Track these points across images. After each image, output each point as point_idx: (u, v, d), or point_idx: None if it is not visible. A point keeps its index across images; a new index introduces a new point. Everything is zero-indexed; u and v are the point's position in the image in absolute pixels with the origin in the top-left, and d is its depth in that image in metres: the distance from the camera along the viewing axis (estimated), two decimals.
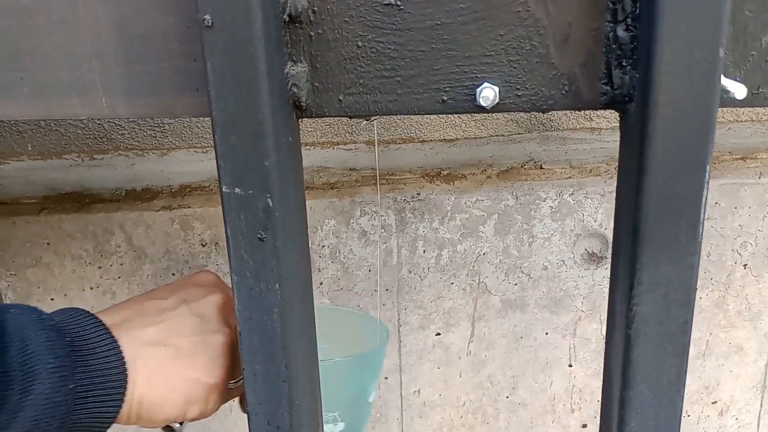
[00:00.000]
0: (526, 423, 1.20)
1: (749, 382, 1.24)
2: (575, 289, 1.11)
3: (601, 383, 0.49)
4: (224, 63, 0.38)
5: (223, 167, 0.40)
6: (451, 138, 0.95)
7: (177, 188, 1.00)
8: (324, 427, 0.58)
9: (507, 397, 1.18)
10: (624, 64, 0.40)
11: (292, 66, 0.41)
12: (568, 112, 0.96)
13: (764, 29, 0.41)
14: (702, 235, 0.41)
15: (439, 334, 1.12)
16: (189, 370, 0.48)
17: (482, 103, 0.42)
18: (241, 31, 0.37)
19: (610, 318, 0.46)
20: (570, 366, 1.17)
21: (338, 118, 0.92)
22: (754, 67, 0.42)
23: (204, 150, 0.91)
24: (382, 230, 1.04)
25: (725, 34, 0.37)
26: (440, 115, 0.93)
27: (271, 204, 0.40)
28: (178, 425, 0.53)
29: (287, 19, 0.40)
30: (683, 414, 1.19)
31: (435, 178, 1.05)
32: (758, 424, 1.27)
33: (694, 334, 1.18)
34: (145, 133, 0.88)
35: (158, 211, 0.99)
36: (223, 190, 0.40)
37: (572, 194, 1.06)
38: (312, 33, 0.41)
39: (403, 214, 1.04)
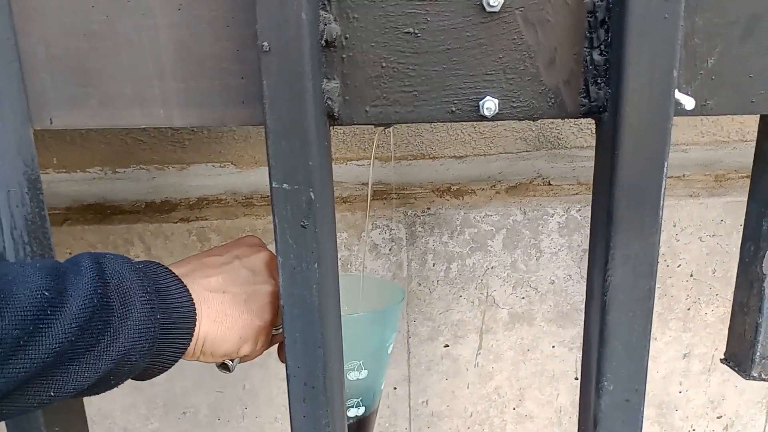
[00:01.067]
0: None
1: (754, 397, 1.25)
2: (582, 303, 1.13)
3: (582, 345, 0.58)
4: (278, 81, 0.46)
5: (274, 167, 0.48)
6: (461, 155, 0.98)
7: (195, 201, 1.04)
8: (350, 374, 0.70)
9: (514, 408, 1.20)
10: (599, 81, 0.49)
11: (327, 83, 0.49)
12: (575, 131, 0.99)
13: (710, 53, 0.50)
14: (662, 218, 0.49)
15: (447, 345, 1.14)
16: (243, 313, 0.56)
17: (485, 113, 0.50)
18: (292, 55, 0.46)
19: (589, 289, 0.55)
20: (576, 379, 1.19)
21: (352, 135, 0.95)
22: (702, 84, 0.51)
23: (222, 164, 0.94)
24: (393, 243, 1.07)
25: (678, 58, 0.47)
26: (450, 134, 0.96)
27: (313, 197, 0.49)
28: (231, 363, 0.59)
29: (324, 44, 0.48)
30: (689, 428, 1.19)
31: (445, 193, 1.08)
32: None
33: (700, 350, 1.19)
34: (165, 148, 0.91)
35: (176, 222, 1.03)
36: (273, 185, 0.48)
37: (579, 210, 1.08)
38: (344, 55, 0.49)
39: (413, 228, 1.07)
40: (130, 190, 0.98)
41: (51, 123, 0.53)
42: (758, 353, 0.60)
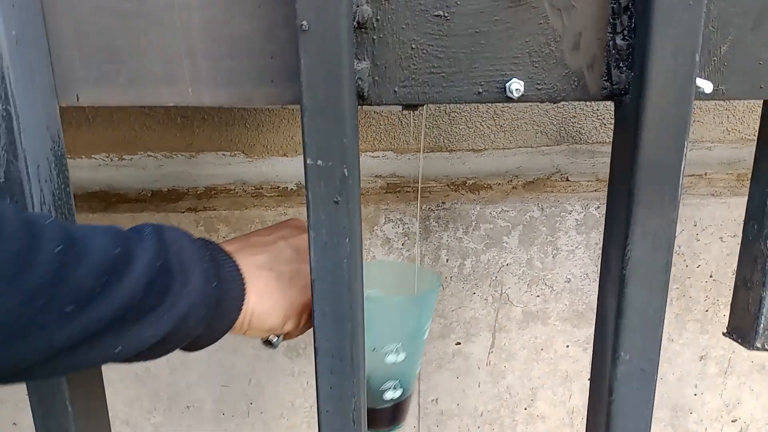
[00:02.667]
0: None
1: None
2: None
3: (595, 317, 0.61)
4: (315, 60, 0.47)
5: (309, 144, 0.49)
6: (479, 148, 0.95)
7: (203, 190, 1.01)
8: (389, 357, 0.73)
9: (525, 408, 1.17)
10: (621, 65, 0.51)
11: (358, 63, 0.50)
12: (597, 126, 0.95)
13: (723, 41, 0.53)
14: (681, 195, 0.52)
15: (459, 343, 1.12)
16: (288, 290, 0.58)
17: (512, 94, 0.52)
18: (330, 35, 0.47)
19: (605, 263, 0.57)
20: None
21: (367, 126, 0.92)
22: (715, 70, 0.53)
23: (232, 153, 0.91)
24: (406, 238, 1.04)
25: (700, 44, 0.48)
26: (468, 126, 0.93)
27: (346, 173, 0.50)
28: (275, 339, 0.62)
29: (356, 25, 0.49)
30: (703, 431, 1.16)
31: (461, 188, 1.04)
32: None
33: (717, 352, 1.16)
34: (174, 136, 0.88)
35: (183, 212, 1.00)
36: (308, 162, 0.50)
37: (598, 207, 1.05)
38: (374, 37, 0.51)
39: (427, 223, 1.04)
40: (137, 177, 0.95)
41: (78, 100, 0.53)
42: (762, 325, 0.62)
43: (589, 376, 1.16)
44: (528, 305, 1.10)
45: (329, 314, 0.53)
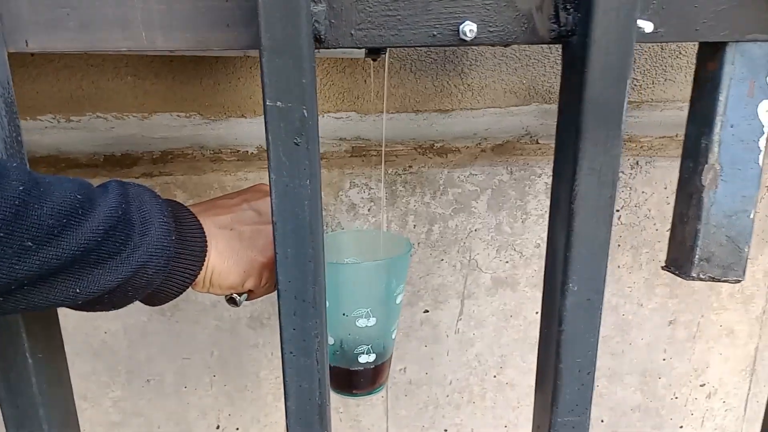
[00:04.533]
0: (513, 403, 1.18)
1: (738, 365, 1.22)
2: None
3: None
4: (273, 0, 0.48)
5: (268, 85, 0.50)
6: (447, 108, 0.91)
7: (159, 155, 0.96)
8: (359, 321, 0.75)
9: (494, 376, 1.16)
10: (568, 7, 0.53)
11: (314, 5, 0.51)
12: None
13: None
14: (623, 131, 0.55)
15: (427, 311, 1.09)
16: (248, 249, 0.61)
17: (466, 36, 0.53)
18: None
19: (554, 198, 0.60)
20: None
21: (329, 85, 0.88)
22: (654, 13, 0.56)
23: (187, 115, 0.87)
24: (372, 203, 1.01)
25: None
26: (435, 84, 0.89)
27: (306, 114, 0.51)
28: (238, 297, 0.64)
29: None
30: (671, 396, 1.17)
31: (428, 151, 1.01)
32: (745, 408, 1.26)
33: (686, 317, 1.16)
34: (125, 95, 0.83)
35: (138, 177, 0.95)
36: (267, 104, 0.50)
37: None
38: None
39: (393, 187, 1.00)
40: (87, 141, 0.90)
41: (27, 45, 0.53)
42: (697, 256, 0.65)
43: None
44: (497, 271, 1.08)
45: (291, 255, 0.54)
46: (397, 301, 0.79)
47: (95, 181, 0.90)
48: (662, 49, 0.92)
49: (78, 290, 0.48)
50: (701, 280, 0.66)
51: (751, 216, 0.65)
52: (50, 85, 0.82)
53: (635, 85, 0.94)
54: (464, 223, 1.04)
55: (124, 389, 1.08)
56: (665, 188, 1.06)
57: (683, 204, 0.68)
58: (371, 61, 0.86)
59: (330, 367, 0.79)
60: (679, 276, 0.68)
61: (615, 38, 0.52)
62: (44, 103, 0.83)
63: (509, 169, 1.02)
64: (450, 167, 1.00)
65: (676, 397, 1.23)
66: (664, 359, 1.19)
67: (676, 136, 1.06)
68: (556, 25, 0.55)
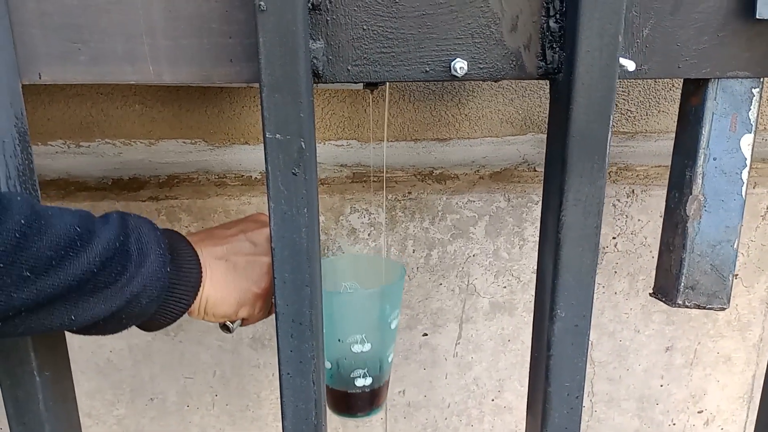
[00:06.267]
0: (511, 426, 1.19)
1: (736, 392, 1.23)
2: None
3: (535, 278, 0.67)
4: (273, 38, 0.50)
5: (268, 118, 0.52)
6: (444, 137, 0.94)
7: (165, 179, 0.99)
8: (354, 346, 0.77)
9: (492, 400, 1.17)
10: (554, 46, 0.56)
11: (313, 43, 0.54)
12: None
13: (645, 24, 0.59)
14: (607, 164, 0.57)
15: (426, 334, 1.11)
16: (242, 280, 0.63)
17: (456, 73, 0.56)
18: (287, 15, 0.50)
19: (543, 229, 0.63)
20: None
21: (330, 114, 0.91)
22: (638, 51, 0.59)
23: (192, 141, 0.90)
24: (372, 228, 1.03)
25: (623, 26, 0.53)
26: (433, 114, 0.92)
27: (303, 146, 0.53)
28: (231, 325, 0.66)
29: (311, 7, 0.53)
30: (669, 422, 1.17)
31: (427, 178, 1.04)
32: None
33: (683, 343, 1.17)
34: (132, 123, 0.87)
35: (145, 201, 0.98)
36: (267, 136, 0.53)
37: None
38: (328, 18, 0.54)
39: (393, 213, 1.03)
40: (96, 165, 0.93)
41: (40, 78, 0.55)
42: (683, 284, 0.68)
43: None
44: (495, 296, 1.10)
45: (289, 280, 0.57)
46: (392, 327, 0.80)
47: (103, 204, 0.93)
48: (655, 82, 0.94)
49: (73, 317, 0.50)
50: (687, 307, 0.68)
51: (735, 246, 0.67)
52: (61, 111, 0.85)
53: (629, 116, 0.96)
54: (462, 249, 1.06)
55: (128, 407, 1.10)
56: (660, 216, 1.08)
57: (669, 233, 0.70)
58: (369, 92, 0.89)
59: (328, 389, 0.81)
60: (665, 303, 0.69)
61: (598, 76, 0.54)
62: (55, 129, 0.86)
63: (507, 196, 1.04)
64: (448, 194, 1.03)
65: (674, 424, 1.23)
66: (661, 385, 1.20)
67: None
68: (543, 63, 0.57)
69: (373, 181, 1.02)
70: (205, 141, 0.90)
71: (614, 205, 1.06)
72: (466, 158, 1.01)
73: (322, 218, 1.00)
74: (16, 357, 0.61)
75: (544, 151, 1.01)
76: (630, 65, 0.58)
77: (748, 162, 0.65)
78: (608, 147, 0.57)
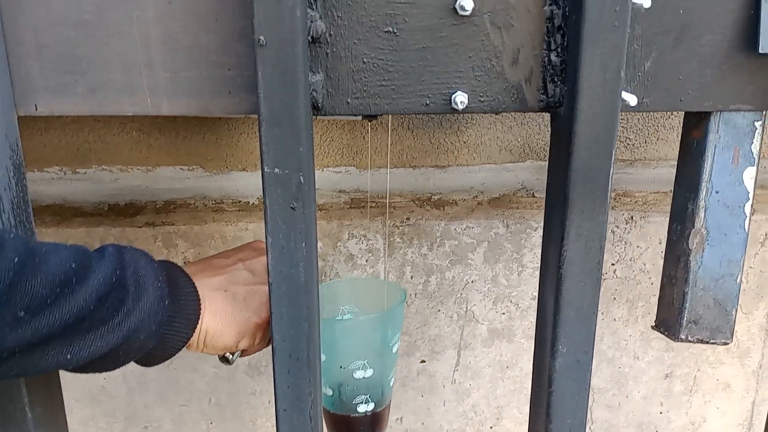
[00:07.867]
0: None
1: (736, 419, 1.22)
2: None
3: (536, 313, 0.65)
4: (272, 72, 0.50)
5: (266, 152, 0.51)
6: (443, 164, 0.94)
7: (162, 204, 0.98)
8: (356, 373, 0.76)
9: (491, 427, 1.16)
10: (555, 79, 0.55)
11: (312, 75, 0.53)
12: None
13: (647, 58, 0.58)
14: (609, 199, 0.56)
15: (424, 361, 1.10)
16: (242, 311, 0.61)
17: (457, 106, 0.55)
18: (286, 49, 0.50)
19: (544, 263, 0.62)
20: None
21: (329, 141, 0.90)
22: (640, 84, 0.59)
23: (190, 168, 0.89)
24: (370, 254, 1.02)
25: (625, 60, 0.53)
26: (432, 141, 0.92)
27: (302, 181, 0.52)
28: (231, 356, 0.65)
29: (311, 40, 0.52)
30: None
31: (425, 204, 1.03)
32: None
33: (682, 370, 1.16)
34: (129, 149, 0.86)
35: (141, 227, 0.97)
36: (265, 170, 0.52)
37: None
38: (328, 51, 0.54)
39: (392, 239, 1.02)
40: (92, 191, 0.93)
41: (36, 109, 0.55)
42: (685, 318, 0.67)
43: None
44: (493, 323, 1.09)
45: (286, 315, 0.56)
46: (394, 351, 0.80)
47: (99, 230, 0.92)
48: None
49: (69, 356, 0.49)
50: (689, 341, 0.67)
51: (738, 279, 0.66)
52: (58, 138, 0.84)
53: (628, 143, 0.96)
54: (461, 275, 1.05)
55: None
56: (659, 243, 1.08)
57: (672, 266, 0.69)
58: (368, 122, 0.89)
59: (329, 413, 0.80)
60: (668, 337, 0.69)
61: (600, 110, 0.54)
62: (52, 155, 0.85)
63: (505, 222, 1.03)
64: (447, 219, 1.02)
65: None
66: (660, 412, 1.19)
67: (670, 191, 1.08)
68: (544, 96, 0.56)
69: (371, 207, 1.01)
70: (203, 167, 0.89)
71: (613, 232, 1.06)
72: (465, 185, 1.01)
73: (319, 244, 1.00)
74: (8, 393, 0.59)
75: (543, 177, 1.01)
76: (632, 100, 0.57)
77: (750, 195, 0.65)
78: (610, 182, 0.56)
